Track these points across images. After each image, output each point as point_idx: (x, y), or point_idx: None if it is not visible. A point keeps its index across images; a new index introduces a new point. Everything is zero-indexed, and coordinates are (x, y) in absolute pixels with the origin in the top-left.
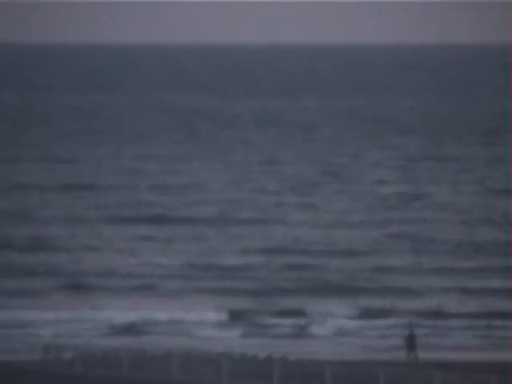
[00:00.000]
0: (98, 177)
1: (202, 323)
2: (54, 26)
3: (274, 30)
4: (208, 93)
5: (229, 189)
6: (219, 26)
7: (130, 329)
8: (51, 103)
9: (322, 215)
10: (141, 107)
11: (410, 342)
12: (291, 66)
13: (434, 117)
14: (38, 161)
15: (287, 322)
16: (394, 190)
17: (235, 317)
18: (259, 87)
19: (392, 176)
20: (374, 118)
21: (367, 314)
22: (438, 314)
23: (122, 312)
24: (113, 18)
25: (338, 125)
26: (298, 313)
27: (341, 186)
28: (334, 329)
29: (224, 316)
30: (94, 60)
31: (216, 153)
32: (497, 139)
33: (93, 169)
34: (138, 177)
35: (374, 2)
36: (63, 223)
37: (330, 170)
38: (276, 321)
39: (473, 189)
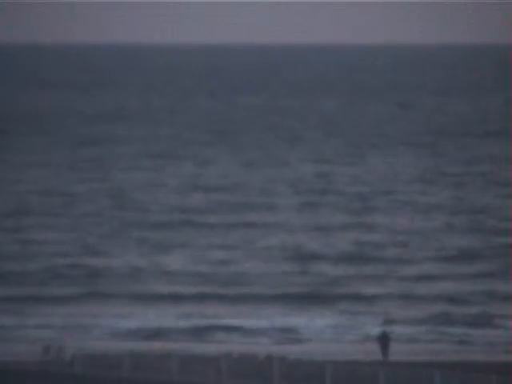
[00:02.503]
0: None
1: (232, 329)
2: (54, 25)
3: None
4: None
5: None
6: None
7: (162, 334)
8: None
9: None
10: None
11: (383, 343)
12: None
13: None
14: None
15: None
16: None
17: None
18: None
19: None
20: None
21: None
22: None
23: (147, 318)
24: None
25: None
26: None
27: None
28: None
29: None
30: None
31: None
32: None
33: None
34: None
35: (374, 2)
36: None
37: None
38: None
39: None
